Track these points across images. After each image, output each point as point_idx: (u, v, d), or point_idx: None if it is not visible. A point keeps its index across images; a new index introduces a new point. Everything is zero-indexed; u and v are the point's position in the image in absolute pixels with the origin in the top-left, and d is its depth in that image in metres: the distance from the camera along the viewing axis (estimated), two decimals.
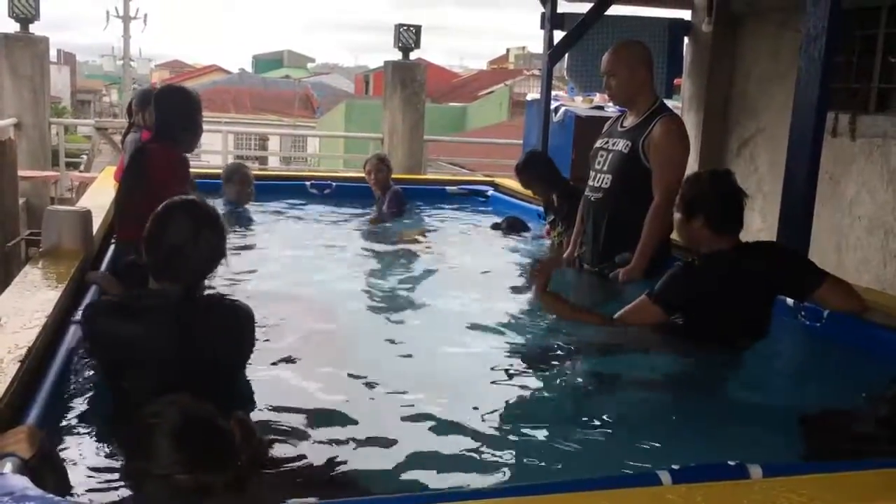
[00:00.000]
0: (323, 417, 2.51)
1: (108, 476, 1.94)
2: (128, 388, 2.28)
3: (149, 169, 3.62)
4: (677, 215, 3.18)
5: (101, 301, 2.71)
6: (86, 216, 3.59)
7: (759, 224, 5.98)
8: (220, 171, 6.21)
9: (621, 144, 4.02)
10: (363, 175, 6.32)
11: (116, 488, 1.88)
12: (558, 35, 7.02)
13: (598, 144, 4.23)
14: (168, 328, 2.28)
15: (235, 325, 2.42)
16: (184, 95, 3.96)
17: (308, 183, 6.81)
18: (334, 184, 6.85)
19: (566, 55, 7.10)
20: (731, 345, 3.06)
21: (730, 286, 3.03)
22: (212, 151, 13.47)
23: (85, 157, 11.42)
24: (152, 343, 2.27)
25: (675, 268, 3.17)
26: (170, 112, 3.80)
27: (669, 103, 4.63)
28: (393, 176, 6.44)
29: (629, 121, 4.09)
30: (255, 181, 5.86)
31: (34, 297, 2.77)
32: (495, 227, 5.80)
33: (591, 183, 4.18)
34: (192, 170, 4.39)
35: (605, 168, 4.08)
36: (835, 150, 5.10)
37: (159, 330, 2.28)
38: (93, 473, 1.96)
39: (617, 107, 5.16)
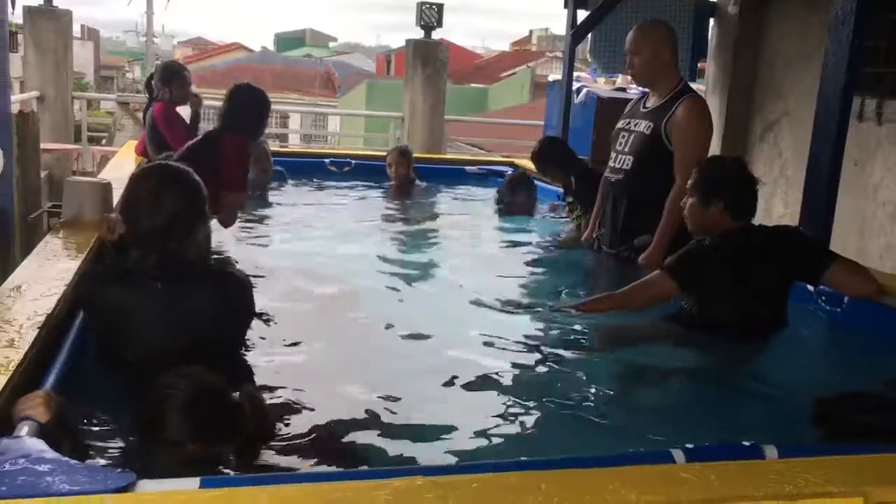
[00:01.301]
0: (333, 390, 2.53)
1: (122, 443, 1.96)
2: (111, 353, 2.30)
3: (221, 156, 3.69)
4: (691, 199, 3.15)
5: (93, 266, 2.73)
6: (106, 188, 3.62)
7: (782, 210, 5.92)
8: None
9: (643, 125, 3.96)
10: (382, 154, 6.33)
11: (130, 455, 1.90)
12: (582, 15, 6.96)
13: (619, 125, 4.17)
14: (139, 295, 2.26)
15: (223, 294, 2.36)
16: (262, 97, 4.15)
17: (327, 161, 6.82)
18: (353, 162, 6.84)
19: (589, 35, 7.04)
20: (746, 331, 3.02)
21: (741, 265, 3.01)
22: None
23: (109, 132, 11.46)
24: (127, 309, 2.26)
25: (689, 245, 3.15)
26: (249, 109, 3.98)
27: (694, 86, 4.57)
28: (413, 155, 6.45)
29: (652, 101, 4.03)
30: (274, 157, 5.88)
31: (54, 266, 2.80)
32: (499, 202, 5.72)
33: (611, 164, 4.14)
34: None
35: (626, 149, 4.03)
36: (860, 134, 5.02)
37: (129, 296, 2.27)
38: (107, 439, 1.98)
39: (640, 88, 5.12)
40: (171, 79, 5.23)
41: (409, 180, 6.17)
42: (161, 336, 2.23)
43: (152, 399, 1.87)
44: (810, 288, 3.31)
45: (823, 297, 3.31)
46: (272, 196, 5.82)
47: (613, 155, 4.13)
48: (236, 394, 1.98)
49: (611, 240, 4.15)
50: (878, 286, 3.10)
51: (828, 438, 2.30)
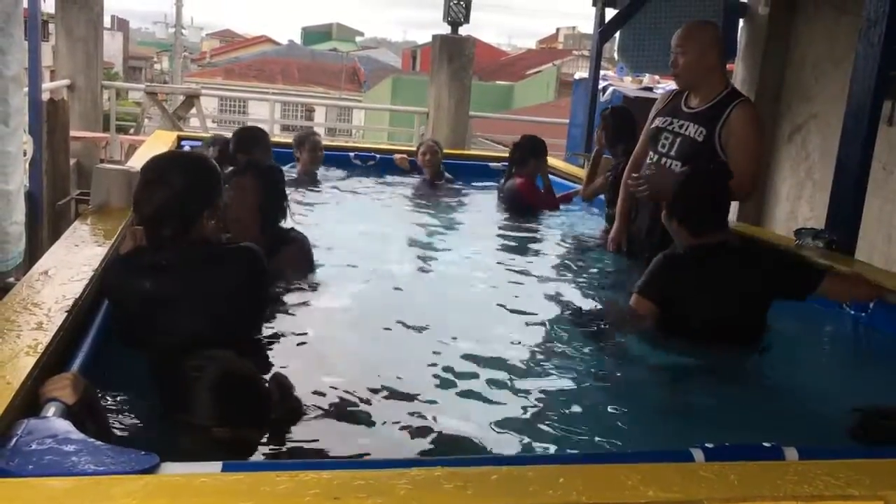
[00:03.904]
0: (355, 380, 2.53)
1: (146, 425, 1.99)
2: (134, 339, 2.35)
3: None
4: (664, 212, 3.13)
5: (115, 257, 2.77)
6: (134, 176, 3.64)
7: (808, 213, 5.88)
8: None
9: (693, 130, 3.72)
10: (407, 148, 6.33)
11: (155, 437, 1.92)
12: (610, 13, 6.95)
13: (659, 124, 3.90)
14: (157, 283, 2.30)
15: (237, 270, 2.41)
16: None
17: (352, 154, 6.84)
18: (378, 156, 6.86)
19: (617, 34, 7.02)
20: (715, 347, 2.92)
21: (706, 281, 2.92)
22: (258, 120, 13.60)
23: (137, 122, 11.58)
24: (147, 297, 2.31)
25: (656, 259, 3.09)
26: None
27: None
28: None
29: (696, 102, 3.79)
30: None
31: (82, 251, 2.83)
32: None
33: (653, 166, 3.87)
34: None
35: (672, 153, 3.78)
36: (889, 139, 4.97)
37: (148, 284, 2.31)
38: (132, 422, 2.01)
39: (666, 86, 5.06)
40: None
41: (439, 172, 6.19)
42: (181, 321, 2.26)
43: (180, 380, 1.89)
44: None
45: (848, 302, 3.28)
46: (320, 188, 5.89)
47: (655, 157, 3.87)
48: (265, 379, 2.00)
49: (648, 244, 3.86)
50: (876, 287, 3.07)
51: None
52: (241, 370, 1.93)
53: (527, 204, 5.45)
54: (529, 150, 5.58)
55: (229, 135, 5.00)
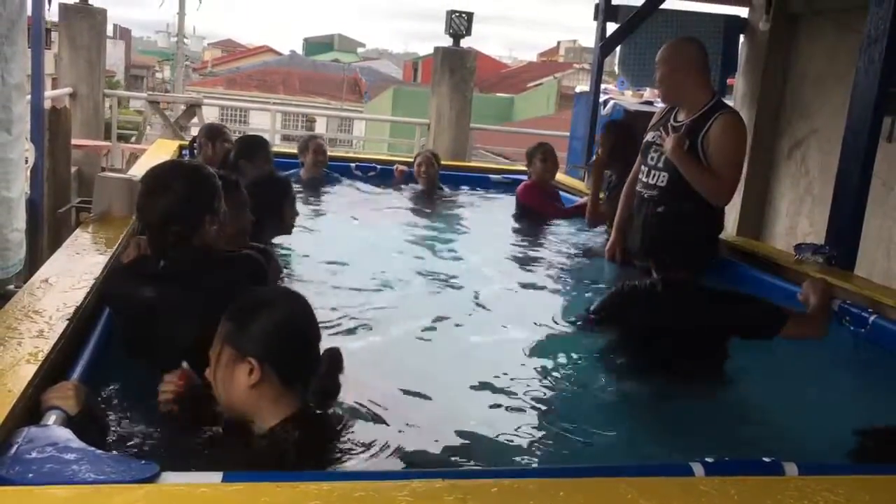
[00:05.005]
0: (355, 391, 2.52)
1: (148, 434, 1.99)
2: (136, 347, 2.36)
3: None
4: None
5: (116, 266, 2.78)
6: (135, 185, 3.65)
7: (807, 228, 5.88)
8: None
9: None
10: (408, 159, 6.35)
11: (156, 446, 1.92)
12: (611, 27, 6.97)
13: (649, 138, 4.05)
14: (158, 291, 2.31)
15: (236, 275, 2.42)
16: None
17: (353, 165, 6.85)
18: (378, 167, 6.87)
19: (618, 48, 7.04)
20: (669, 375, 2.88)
21: (663, 318, 2.89)
22: (259, 130, 13.62)
23: (138, 130, 11.61)
24: (148, 306, 2.31)
25: (616, 287, 3.13)
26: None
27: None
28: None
29: (682, 116, 3.90)
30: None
31: (83, 260, 2.84)
32: None
33: (643, 178, 4.01)
34: None
35: (659, 164, 3.90)
36: (889, 155, 4.97)
37: (148, 293, 2.31)
38: (133, 430, 2.01)
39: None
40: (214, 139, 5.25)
41: (435, 184, 6.21)
42: (183, 328, 2.26)
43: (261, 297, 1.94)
44: (834, 306, 3.28)
45: (848, 317, 3.28)
46: (327, 189, 5.92)
47: (645, 169, 4.01)
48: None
49: (640, 253, 4.05)
50: (822, 329, 3.05)
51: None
52: (311, 319, 1.93)
53: (523, 206, 5.52)
54: (529, 153, 5.78)
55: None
